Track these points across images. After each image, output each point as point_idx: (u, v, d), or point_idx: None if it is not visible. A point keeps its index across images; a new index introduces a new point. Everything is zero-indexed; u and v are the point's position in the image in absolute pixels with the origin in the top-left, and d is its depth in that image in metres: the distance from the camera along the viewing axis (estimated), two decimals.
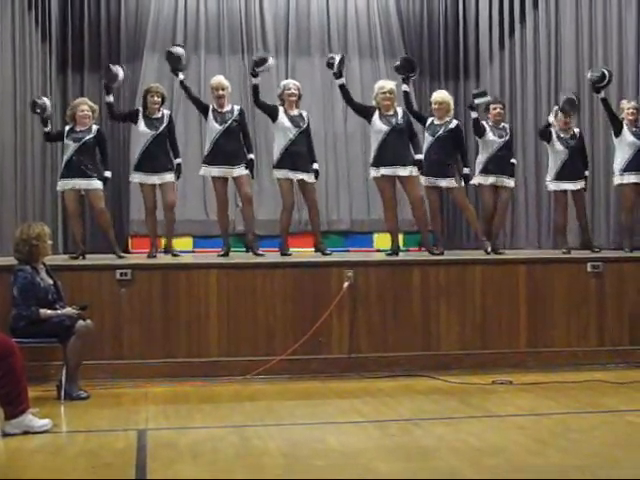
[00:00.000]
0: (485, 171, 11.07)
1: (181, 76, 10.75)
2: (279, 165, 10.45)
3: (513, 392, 8.10)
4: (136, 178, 10.64)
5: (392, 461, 5.58)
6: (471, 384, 8.41)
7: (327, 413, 7.36)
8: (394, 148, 10.33)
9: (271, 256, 10.37)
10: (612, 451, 5.81)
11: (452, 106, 10.94)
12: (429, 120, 10.80)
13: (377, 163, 10.34)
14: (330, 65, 10.57)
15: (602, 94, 10.94)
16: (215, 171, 10.53)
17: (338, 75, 10.53)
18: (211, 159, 10.53)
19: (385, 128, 10.34)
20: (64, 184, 10.34)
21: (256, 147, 14.68)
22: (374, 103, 10.49)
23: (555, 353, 9.36)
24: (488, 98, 11.09)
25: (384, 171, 10.29)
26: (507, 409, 7.31)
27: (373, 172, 10.40)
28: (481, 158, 11.14)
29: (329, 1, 15.56)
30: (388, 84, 10.59)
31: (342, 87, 10.59)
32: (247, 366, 8.73)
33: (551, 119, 11.15)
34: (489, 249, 10.51)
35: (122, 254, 10.43)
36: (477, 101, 10.94)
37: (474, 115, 10.98)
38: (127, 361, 8.72)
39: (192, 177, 14.40)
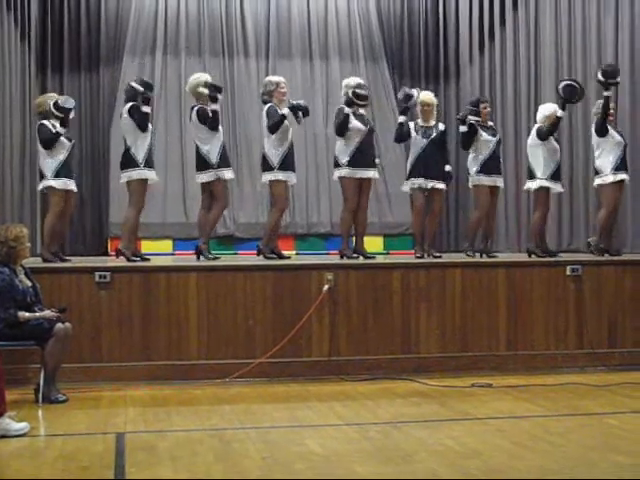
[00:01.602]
0: (484, 171, 10.82)
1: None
2: (284, 167, 10.20)
3: (493, 395, 8.12)
4: (149, 175, 10.04)
5: (372, 465, 5.59)
6: (451, 387, 8.43)
7: (307, 416, 7.35)
8: (368, 150, 10.37)
9: (251, 259, 10.36)
10: (590, 454, 5.83)
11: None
12: (414, 123, 10.71)
13: (354, 164, 10.23)
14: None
15: (610, 92, 10.66)
16: (228, 174, 10.28)
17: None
18: (224, 162, 10.24)
19: (364, 128, 10.35)
20: (63, 183, 9.96)
21: (236, 149, 14.76)
22: (343, 100, 10.43)
23: (534, 356, 9.40)
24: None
25: (360, 173, 10.25)
26: (487, 412, 7.32)
27: (348, 172, 10.24)
28: (476, 158, 10.85)
29: (310, 4, 15.62)
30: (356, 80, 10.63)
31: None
32: (226, 369, 8.73)
33: (560, 113, 10.75)
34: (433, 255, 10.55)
35: (66, 258, 10.26)
36: (472, 118, 10.85)
37: (464, 129, 10.82)
38: (106, 364, 8.70)
39: (172, 180, 14.47)
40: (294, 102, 10.31)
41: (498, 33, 14.84)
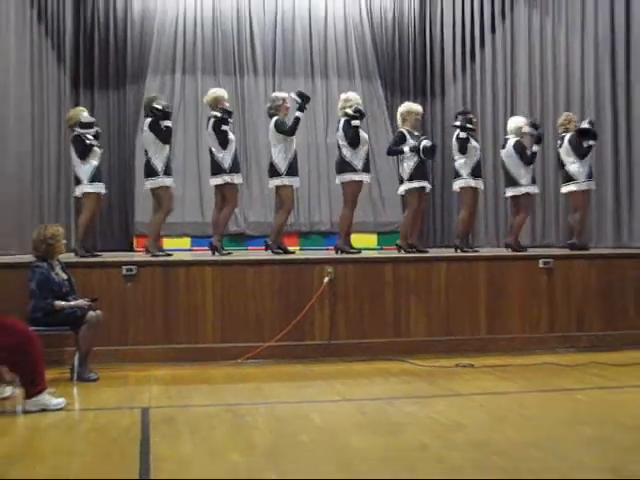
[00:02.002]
0: (474, 175, 10.78)
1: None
2: (290, 173, 10.14)
3: (474, 374, 8.10)
4: (167, 182, 10.01)
5: (367, 436, 5.57)
6: (437, 367, 8.41)
7: (310, 393, 7.35)
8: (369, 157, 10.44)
9: (260, 254, 10.35)
10: (561, 426, 5.82)
11: None
12: (406, 131, 10.54)
13: (367, 169, 10.30)
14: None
15: (594, 142, 10.75)
16: (238, 179, 10.25)
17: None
18: (236, 167, 10.20)
19: (367, 138, 10.42)
20: (96, 187, 10.01)
21: (246, 156, 14.76)
22: (340, 113, 10.38)
23: (511, 339, 9.38)
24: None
25: (366, 178, 10.32)
26: (469, 389, 7.30)
27: (360, 177, 10.22)
28: (467, 163, 10.74)
29: (312, 28, 15.62)
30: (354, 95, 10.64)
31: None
32: (239, 351, 8.71)
33: (535, 148, 10.82)
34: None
35: (97, 253, 10.27)
36: (469, 126, 10.83)
37: (464, 135, 10.75)
38: (132, 347, 8.69)
39: (190, 184, 14.47)
40: (292, 95, 10.32)
41: (478, 54, 14.86)
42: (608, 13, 11.71)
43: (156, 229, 10.13)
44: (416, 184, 10.44)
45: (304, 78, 15.33)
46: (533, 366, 8.43)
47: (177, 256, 10.04)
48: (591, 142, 10.67)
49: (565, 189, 10.91)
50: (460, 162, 10.82)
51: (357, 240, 11.04)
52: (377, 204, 15.20)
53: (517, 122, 11.09)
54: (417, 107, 10.93)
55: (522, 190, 10.81)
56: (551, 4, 13.13)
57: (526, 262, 9.69)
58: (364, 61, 15.75)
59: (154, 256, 9.67)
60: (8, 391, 6.77)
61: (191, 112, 14.97)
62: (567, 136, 10.82)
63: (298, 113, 10.16)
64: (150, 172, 9.91)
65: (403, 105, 11.01)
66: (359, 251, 10.30)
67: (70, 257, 9.44)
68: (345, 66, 15.69)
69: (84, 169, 9.93)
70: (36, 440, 5.64)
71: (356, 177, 10.21)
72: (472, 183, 10.81)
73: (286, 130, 10.11)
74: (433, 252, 10.84)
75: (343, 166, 10.25)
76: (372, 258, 9.83)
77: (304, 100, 10.28)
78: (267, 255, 9.96)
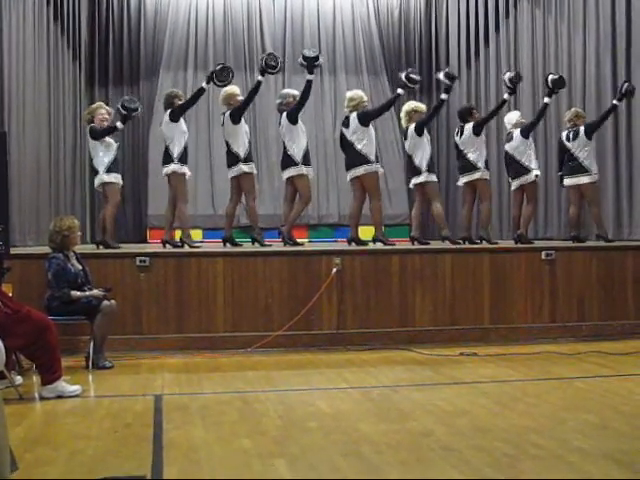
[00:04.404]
0: (487, 167, 10.91)
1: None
2: (305, 162, 10.20)
3: (478, 362, 8.11)
4: (184, 170, 10.10)
5: (374, 422, 5.59)
6: (442, 355, 8.42)
7: (318, 381, 7.37)
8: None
9: (269, 245, 10.36)
10: (561, 413, 5.83)
11: None
12: (414, 125, 10.70)
13: (378, 160, 10.34)
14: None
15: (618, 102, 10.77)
16: (253, 167, 10.32)
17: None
18: (250, 157, 10.26)
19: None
20: (116, 178, 9.98)
21: (257, 149, 14.76)
22: (347, 109, 10.39)
23: (514, 329, 9.38)
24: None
25: (381, 169, 10.37)
26: (473, 377, 7.31)
27: (378, 168, 10.26)
28: (482, 156, 10.81)
29: (320, 25, 15.62)
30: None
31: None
32: (249, 340, 8.74)
33: (547, 100, 10.88)
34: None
35: (117, 245, 10.21)
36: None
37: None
38: (145, 336, 8.72)
39: (202, 177, 14.47)
40: (300, 60, 10.27)
41: (483, 51, 14.83)
42: (609, 10, 11.69)
43: (183, 221, 10.23)
44: (426, 176, 10.57)
45: None
46: (535, 355, 8.43)
47: (189, 247, 10.06)
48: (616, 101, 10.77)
49: (576, 181, 10.81)
50: (474, 155, 10.80)
51: (364, 232, 11.03)
52: (384, 197, 15.16)
53: (514, 117, 11.23)
54: (423, 106, 11.04)
55: (532, 177, 10.82)
56: (554, 3, 13.12)
57: (529, 254, 9.69)
58: (371, 57, 15.74)
59: (191, 247, 9.82)
60: (19, 379, 6.84)
61: (203, 107, 14.96)
62: (582, 128, 10.71)
63: (309, 76, 10.03)
64: (166, 159, 10.04)
65: (409, 104, 11.09)
66: (366, 243, 10.31)
67: (86, 248, 9.47)
68: (353, 62, 15.68)
69: (102, 160, 9.84)
70: (53, 425, 5.67)
71: (369, 168, 10.20)
72: (487, 175, 10.88)
73: (300, 100, 10.13)
74: (440, 245, 10.84)
75: (359, 159, 10.20)
76: (379, 249, 9.83)
77: (309, 61, 10.10)
78: (277, 247, 9.98)
